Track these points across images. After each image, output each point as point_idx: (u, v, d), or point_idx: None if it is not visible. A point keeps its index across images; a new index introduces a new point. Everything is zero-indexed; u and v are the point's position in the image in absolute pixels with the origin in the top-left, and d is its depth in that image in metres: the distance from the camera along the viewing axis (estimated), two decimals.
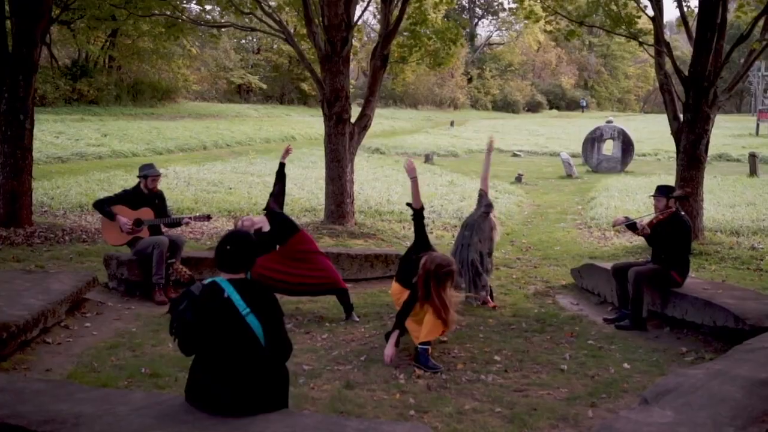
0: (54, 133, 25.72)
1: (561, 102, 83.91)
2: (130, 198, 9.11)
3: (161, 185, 9.70)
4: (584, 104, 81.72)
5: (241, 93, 53.76)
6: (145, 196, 9.16)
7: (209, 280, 4.40)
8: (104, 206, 8.98)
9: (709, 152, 13.55)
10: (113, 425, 4.03)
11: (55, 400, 4.42)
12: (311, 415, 4.43)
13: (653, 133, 41.69)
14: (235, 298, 4.27)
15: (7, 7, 12.85)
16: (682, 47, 61.31)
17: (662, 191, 8.24)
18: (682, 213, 8.26)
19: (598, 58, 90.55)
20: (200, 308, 4.28)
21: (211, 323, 4.25)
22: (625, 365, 6.78)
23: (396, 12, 14.38)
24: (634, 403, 5.42)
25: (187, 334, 4.32)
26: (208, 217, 9.54)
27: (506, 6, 77.53)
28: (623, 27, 13.92)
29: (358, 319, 8.27)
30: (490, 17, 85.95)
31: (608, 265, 9.04)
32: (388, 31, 14.33)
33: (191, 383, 4.35)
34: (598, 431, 4.05)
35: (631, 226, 8.31)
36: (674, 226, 8.02)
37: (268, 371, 4.32)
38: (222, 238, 4.49)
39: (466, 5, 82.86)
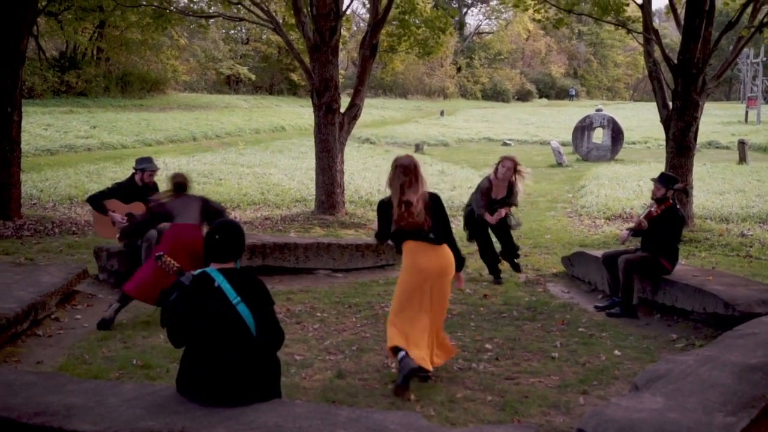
0: (42, 126, 25.59)
1: (551, 91, 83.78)
2: (123, 191, 9.04)
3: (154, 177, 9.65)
4: (573, 93, 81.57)
5: (231, 84, 53.54)
6: (139, 188, 9.08)
7: (199, 270, 4.39)
8: (97, 201, 8.94)
9: (699, 139, 13.59)
10: (104, 416, 4.02)
11: (46, 392, 4.40)
12: (303, 405, 4.43)
13: (643, 121, 41.72)
14: (226, 287, 4.26)
15: None
16: (671, 35, 61.27)
17: (664, 181, 8.22)
18: (678, 206, 8.30)
19: (587, 46, 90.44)
20: (191, 299, 4.27)
21: (202, 313, 4.25)
22: (616, 352, 6.80)
23: (385, 1, 14.34)
24: (625, 389, 5.44)
25: (178, 326, 4.31)
26: None
27: None
28: (612, 15, 13.91)
29: None
30: (479, 6, 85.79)
31: (599, 253, 9.07)
32: (377, 21, 14.30)
33: (183, 374, 4.34)
34: (590, 418, 4.06)
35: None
36: (669, 219, 8.04)
37: (259, 361, 4.32)
38: (210, 228, 4.47)
39: None
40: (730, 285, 7.63)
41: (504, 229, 9.87)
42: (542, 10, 15.82)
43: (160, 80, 41.58)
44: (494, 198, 9.57)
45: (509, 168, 9.46)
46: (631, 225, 8.46)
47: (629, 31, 14.11)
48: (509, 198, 9.67)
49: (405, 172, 5.99)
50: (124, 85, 39.03)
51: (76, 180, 16.78)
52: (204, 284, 4.30)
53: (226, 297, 4.24)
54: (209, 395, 4.19)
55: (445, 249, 6.09)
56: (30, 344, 6.76)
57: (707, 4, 12.09)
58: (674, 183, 8.29)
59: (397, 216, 5.96)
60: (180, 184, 7.94)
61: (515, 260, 10.21)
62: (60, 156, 21.69)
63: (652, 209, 8.14)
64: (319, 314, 8.11)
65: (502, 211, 9.62)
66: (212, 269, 4.37)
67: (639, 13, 13.81)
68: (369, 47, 14.41)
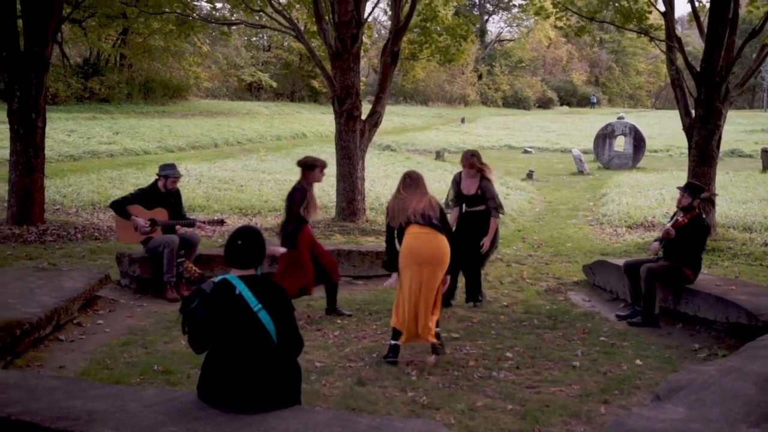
0: (66, 132, 25.82)
1: (572, 98, 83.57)
2: (146, 197, 9.07)
3: None
4: (594, 100, 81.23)
5: (252, 90, 53.79)
6: (162, 195, 9.11)
7: (220, 277, 4.39)
8: (121, 207, 8.98)
9: (722, 148, 13.49)
10: (126, 422, 4.04)
11: (68, 396, 4.43)
12: (323, 412, 4.43)
13: (665, 129, 41.53)
14: (247, 294, 4.27)
15: (18, 6, 12.88)
16: (694, 42, 60.93)
17: (691, 190, 8.18)
18: (704, 216, 8.24)
19: (609, 54, 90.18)
20: (212, 306, 4.27)
21: (223, 320, 4.26)
22: (638, 362, 6.76)
23: (406, 8, 14.38)
24: (647, 399, 5.41)
25: (198, 333, 4.32)
26: (222, 222, 9.63)
27: (516, 2, 77.25)
28: (634, 22, 13.86)
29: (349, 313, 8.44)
30: (500, 13, 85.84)
31: (620, 262, 9.02)
32: (398, 28, 14.32)
33: (204, 380, 4.35)
34: (611, 428, 4.03)
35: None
36: (695, 228, 8.00)
37: (280, 367, 4.32)
38: (232, 234, 4.49)
39: (477, 1, 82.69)
40: (753, 294, 7.57)
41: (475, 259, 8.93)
42: (564, 18, 15.80)
43: (182, 87, 41.87)
44: (466, 194, 8.95)
45: (464, 165, 8.87)
46: (659, 235, 8.39)
47: (652, 39, 14.05)
48: (484, 200, 8.81)
49: (408, 183, 6.80)
50: (147, 91, 39.33)
51: (98, 186, 16.89)
52: (225, 291, 4.31)
53: (248, 304, 4.24)
54: (230, 401, 4.20)
55: (443, 239, 6.55)
56: (53, 349, 6.81)
57: (731, 11, 12.01)
58: (701, 192, 8.24)
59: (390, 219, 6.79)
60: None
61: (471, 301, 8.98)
62: (83, 162, 21.87)
63: (679, 218, 8.08)
64: (339, 321, 8.12)
65: (486, 243, 8.80)
66: (233, 276, 4.37)
67: (661, 21, 13.73)
68: (390, 54, 14.44)
